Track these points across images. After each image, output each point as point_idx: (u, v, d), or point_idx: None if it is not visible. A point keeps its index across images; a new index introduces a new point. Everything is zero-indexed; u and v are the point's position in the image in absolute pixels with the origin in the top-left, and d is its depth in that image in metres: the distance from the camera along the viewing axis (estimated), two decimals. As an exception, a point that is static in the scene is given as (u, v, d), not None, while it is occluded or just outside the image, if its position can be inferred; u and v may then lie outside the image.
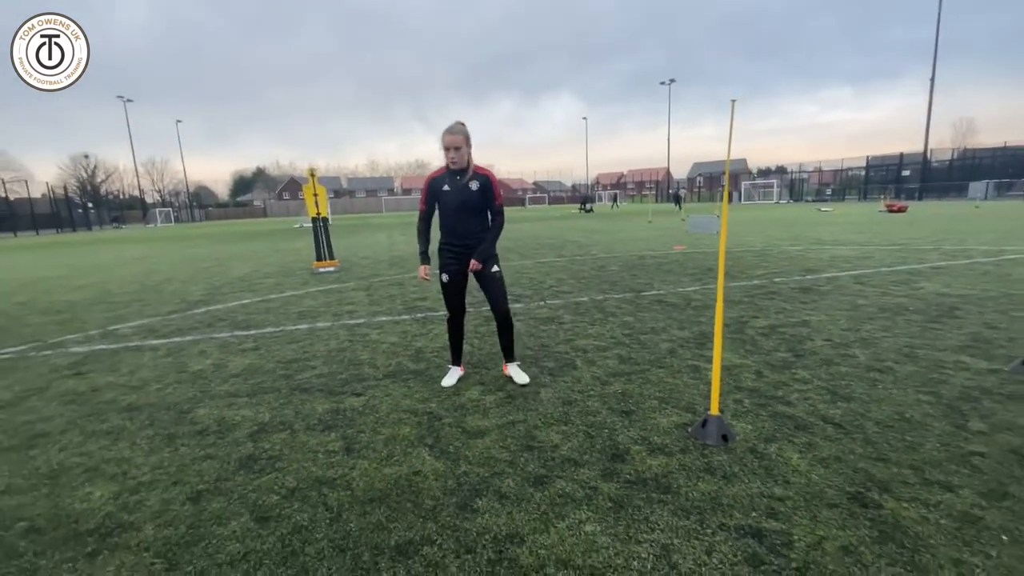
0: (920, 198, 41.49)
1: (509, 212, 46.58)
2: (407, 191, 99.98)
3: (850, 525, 1.92)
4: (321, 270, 9.68)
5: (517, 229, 21.07)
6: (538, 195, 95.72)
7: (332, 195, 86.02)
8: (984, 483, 2.16)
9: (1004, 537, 1.82)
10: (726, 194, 2.52)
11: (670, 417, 2.88)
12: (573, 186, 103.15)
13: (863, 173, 50.61)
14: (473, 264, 3.26)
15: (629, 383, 3.42)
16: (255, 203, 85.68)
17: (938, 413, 2.82)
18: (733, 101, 2.29)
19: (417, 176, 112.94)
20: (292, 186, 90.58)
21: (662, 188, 78.08)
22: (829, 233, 14.08)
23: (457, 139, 3.09)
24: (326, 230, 9.86)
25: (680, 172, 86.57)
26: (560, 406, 3.10)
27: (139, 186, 69.52)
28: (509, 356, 3.60)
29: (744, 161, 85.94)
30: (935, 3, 40.07)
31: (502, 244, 14.12)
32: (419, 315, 5.71)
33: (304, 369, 4.00)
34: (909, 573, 1.68)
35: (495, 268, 3.38)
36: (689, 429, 2.71)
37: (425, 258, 3.41)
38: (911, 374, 3.40)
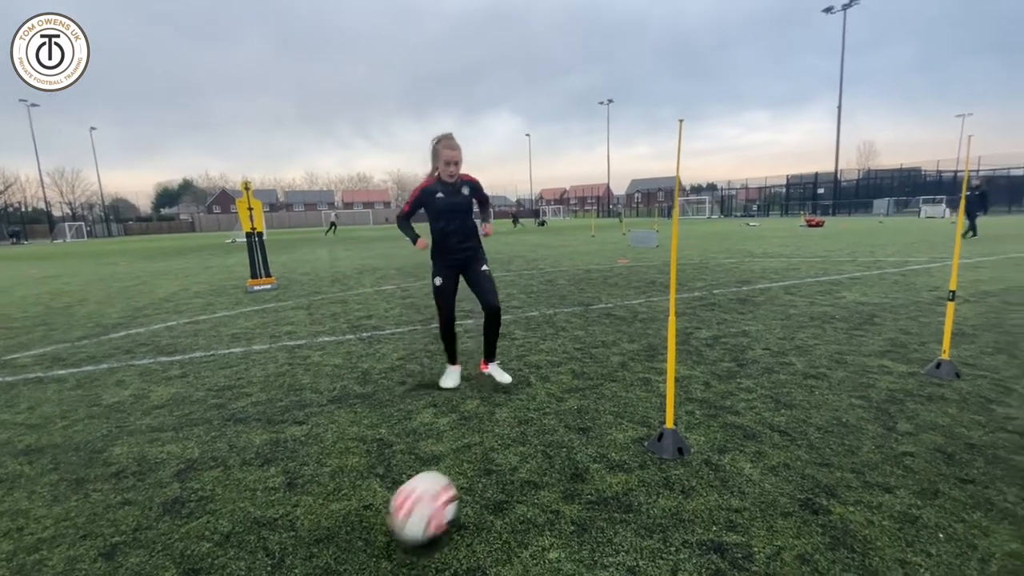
0: (834, 213, 45.27)
1: (455, 226, 46.37)
2: (348, 205, 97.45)
3: (804, 533, 1.96)
4: (256, 288, 9.13)
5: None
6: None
7: (268, 208, 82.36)
8: (917, 482, 2.29)
9: (941, 535, 1.93)
10: (676, 209, 2.57)
11: (626, 432, 2.88)
12: (518, 201, 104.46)
13: (784, 190, 54.73)
14: (487, 229, 3.73)
15: (584, 399, 3.41)
16: (182, 217, 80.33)
17: (870, 416, 2.99)
18: (680, 121, 2.36)
19: (359, 190, 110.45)
20: (223, 199, 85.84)
21: (603, 203, 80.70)
22: (758, 246, 15.01)
23: (459, 154, 3.37)
24: (262, 246, 9.34)
25: (619, 188, 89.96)
26: (516, 426, 3.03)
27: (45, 198, 63.38)
28: (491, 355, 3.74)
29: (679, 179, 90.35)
30: (840, 38, 44.38)
31: (449, 259, 13.95)
32: (365, 334, 5.47)
33: (239, 397, 3.70)
34: (862, 578, 1.73)
35: (484, 267, 3.66)
36: (646, 443, 2.71)
37: (416, 235, 3.57)
38: (843, 379, 3.61)
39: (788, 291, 7.22)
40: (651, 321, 5.61)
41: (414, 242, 3.56)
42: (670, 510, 2.13)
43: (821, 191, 49.81)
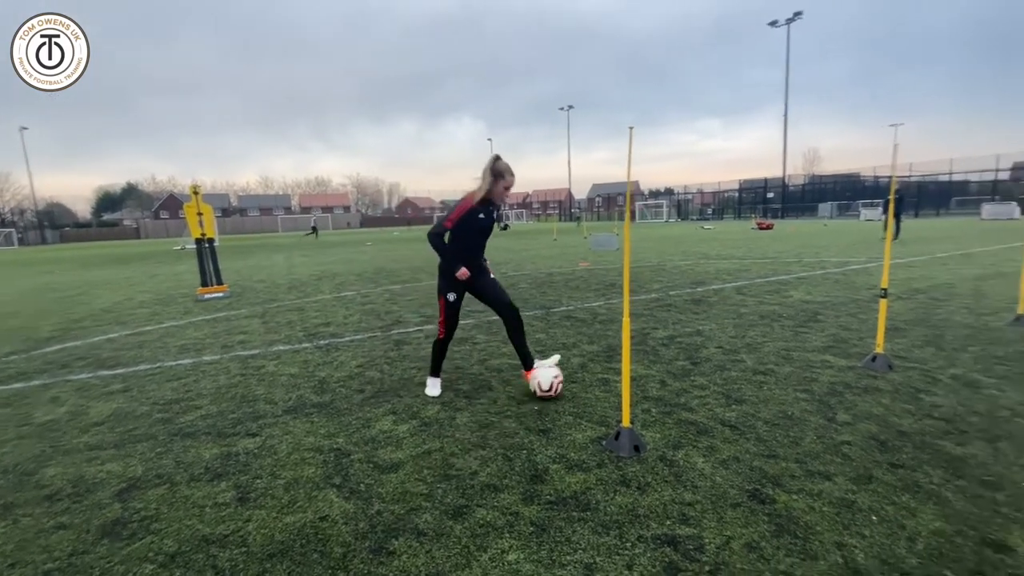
0: (783, 217, 47.47)
1: (419, 232, 46.09)
2: (306, 209, 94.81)
3: (752, 522, 2.06)
4: (207, 296, 8.76)
5: (428, 248, 20.77)
6: (446, 214, 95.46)
7: (220, 213, 79.14)
8: (853, 469, 2.43)
9: (874, 517, 2.06)
10: (627, 215, 2.65)
11: (585, 432, 2.94)
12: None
13: (737, 195, 56.95)
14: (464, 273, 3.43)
15: (544, 401, 3.44)
16: (126, 223, 76.15)
17: (813, 409, 3.16)
18: (631, 128, 2.43)
19: (317, 194, 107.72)
20: (172, 204, 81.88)
21: (565, 208, 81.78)
22: (712, 248, 15.57)
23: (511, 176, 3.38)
24: (213, 252, 8.98)
25: (580, 193, 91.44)
26: (477, 430, 3.03)
27: (-32, 203, 58.70)
28: (529, 361, 3.57)
29: (637, 183, 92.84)
30: (785, 50, 46.67)
31: (412, 264, 13.82)
32: (322, 342, 5.34)
33: (187, 410, 3.54)
34: (803, 561, 1.82)
35: (492, 275, 3.66)
36: (604, 442, 2.77)
37: (459, 264, 3.40)
38: (789, 374, 3.80)
39: (740, 291, 7.52)
40: (610, 323, 5.73)
41: (455, 269, 3.36)
42: (626, 507, 2.19)
43: (771, 195, 52.14)
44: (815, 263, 10.76)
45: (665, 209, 57.11)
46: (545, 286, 8.78)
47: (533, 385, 3.43)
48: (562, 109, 70.76)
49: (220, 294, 8.90)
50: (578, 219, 43.90)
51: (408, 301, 7.71)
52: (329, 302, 7.94)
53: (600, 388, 3.65)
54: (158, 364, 4.76)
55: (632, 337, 5.04)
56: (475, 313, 6.52)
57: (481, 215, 3.39)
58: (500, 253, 16.65)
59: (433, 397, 3.59)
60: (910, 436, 2.75)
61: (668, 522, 2.07)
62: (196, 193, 8.63)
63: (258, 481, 2.54)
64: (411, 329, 5.77)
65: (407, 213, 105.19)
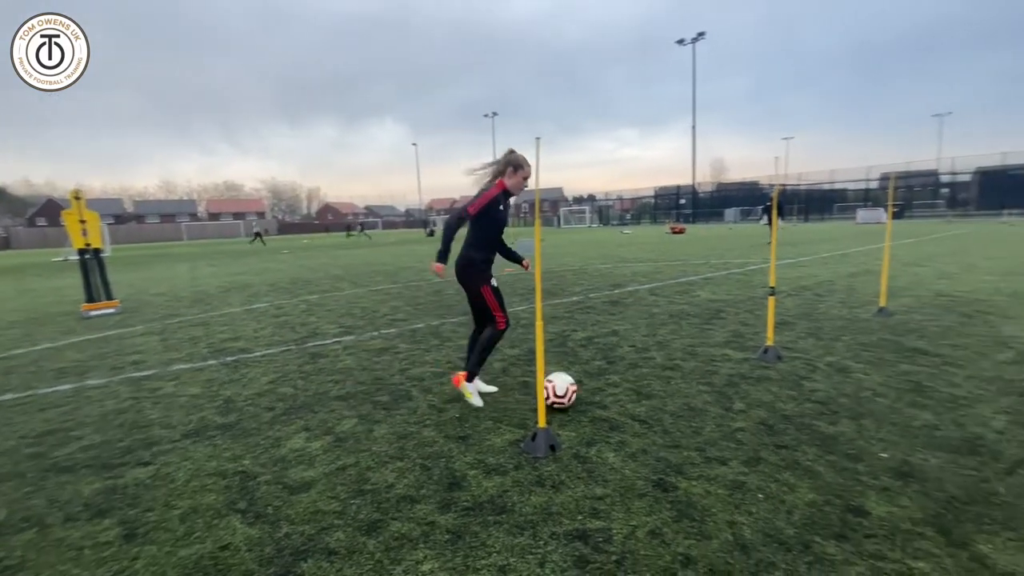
0: (694, 221, 50.96)
1: (338, 239, 44.39)
2: (215, 216, 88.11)
3: (656, 510, 2.19)
4: (94, 313, 7.87)
5: (350, 255, 20.07)
6: (371, 220, 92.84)
7: (112, 220, 71.45)
8: (745, 453, 2.67)
9: (760, 495, 2.27)
10: (537, 223, 2.74)
11: (504, 436, 2.98)
12: (407, 211, 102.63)
13: (652, 201, 60.39)
14: (528, 263, 3.46)
15: (465, 407, 3.45)
16: (-9, 231, 66.36)
17: (713, 400, 3.42)
18: (538, 139, 2.52)
19: (228, 199, 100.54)
20: (51, 209, 72.65)
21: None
22: (630, 252, 16.38)
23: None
24: (100, 264, 8.10)
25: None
26: (395, 441, 2.97)
27: None
28: (470, 371, 3.50)
29: (561, 190, 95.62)
30: (691, 65, 50.31)
31: (331, 273, 13.27)
32: (229, 359, 4.99)
33: (65, 442, 3.16)
34: (699, 542, 1.97)
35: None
36: (522, 445, 2.83)
37: (445, 257, 3.28)
38: (694, 369, 4.09)
39: (653, 292, 7.98)
40: (532, 326, 5.83)
41: (442, 259, 3.26)
42: (541, 506, 2.25)
43: (683, 202, 55.82)
44: (720, 264, 11.66)
45: (588, 214, 59.24)
46: (470, 292, 8.78)
47: (547, 391, 3.22)
48: (487, 116, 71.29)
49: (110, 310, 8.03)
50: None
51: (326, 312, 7.40)
52: (238, 315, 7.43)
53: (521, 391, 3.72)
54: (29, 392, 4.21)
55: (552, 340, 5.19)
56: (398, 322, 6.40)
57: (502, 207, 3.32)
58: (426, 260, 16.44)
59: (478, 407, 3.40)
60: (792, 419, 3.06)
61: (580, 517, 2.16)
62: (78, 198, 7.74)
63: (149, 514, 2.32)
64: (328, 341, 5.54)
65: (328, 219, 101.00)
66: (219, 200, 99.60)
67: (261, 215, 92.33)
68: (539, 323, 2.74)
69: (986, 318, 5.39)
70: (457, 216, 3.25)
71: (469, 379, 3.49)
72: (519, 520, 2.15)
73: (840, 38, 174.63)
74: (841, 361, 4.13)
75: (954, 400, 3.25)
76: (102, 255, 8.25)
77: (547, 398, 3.21)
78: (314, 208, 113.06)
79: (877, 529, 2.00)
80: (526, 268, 3.46)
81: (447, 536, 2.06)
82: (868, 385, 3.57)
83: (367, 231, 43.23)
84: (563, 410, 3.28)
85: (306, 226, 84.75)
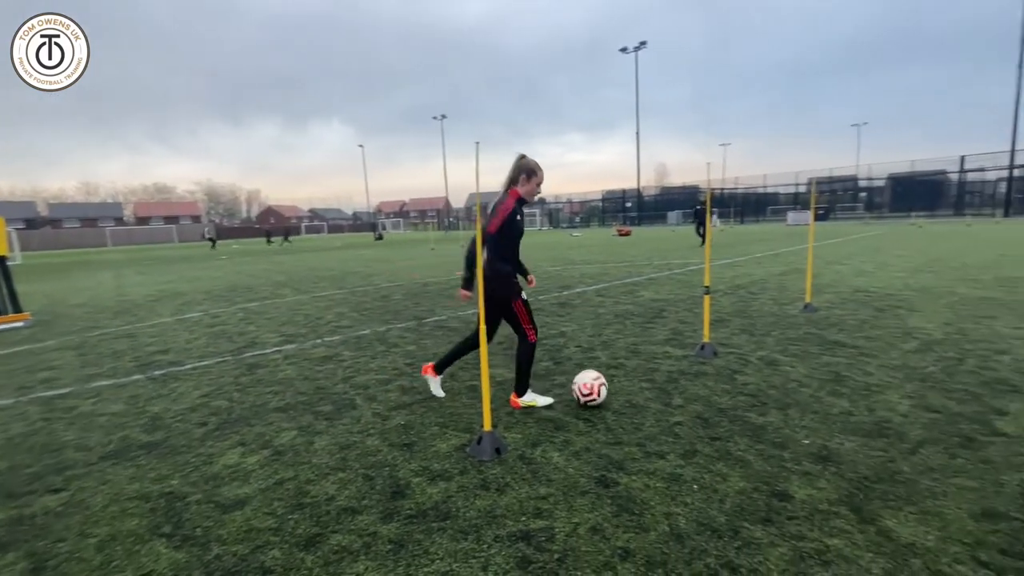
0: (639, 224, 52.67)
1: (283, 244, 42.65)
2: (143, 220, 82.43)
3: (597, 507, 2.24)
4: None
5: (293, 261, 19.31)
6: (316, 223, 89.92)
7: (22, 225, 65.48)
8: (682, 446, 2.78)
9: (695, 486, 2.38)
10: (478, 227, 2.75)
11: (450, 441, 2.96)
12: (354, 214, 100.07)
13: (600, 204, 61.89)
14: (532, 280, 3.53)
15: (411, 414, 3.40)
16: None
17: (653, 396, 3.55)
18: (477, 143, 2.53)
19: (158, 202, 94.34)
20: (-51, 214, 65.43)
21: (443, 216, 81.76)
22: (579, 255, 16.71)
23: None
24: (5, 273, 7.38)
25: (459, 201, 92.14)
26: (337, 452, 2.89)
27: None
28: (441, 366, 3.62)
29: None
30: (634, 73, 52.07)
31: (273, 279, 12.73)
32: (157, 372, 4.68)
33: (-40, 472, 2.86)
34: (637, 535, 2.04)
35: None
36: (467, 449, 2.82)
37: (470, 284, 3.23)
38: (636, 367, 4.22)
39: (599, 293, 8.18)
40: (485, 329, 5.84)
41: (467, 286, 3.21)
42: (485, 509, 2.25)
43: (628, 205, 57.56)
44: (663, 265, 12.11)
45: (538, 217, 59.92)
46: (420, 296, 8.68)
47: (575, 394, 3.34)
48: (436, 118, 70.73)
49: (18, 323, 7.34)
50: (446, 228, 44.54)
51: (267, 320, 7.09)
52: (169, 326, 6.98)
53: (468, 395, 3.71)
54: (-82, 417, 3.77)
55: (501, 343, 5.21)
56: (342, 329, 6.23)
57: (518, 216, 3.22)
58: (373, 265, 16.10)
59: (549, 405, 3.40)
60: (726, 412, 3.22)
61: (523, 518, 2.18)
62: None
63: (61, 545, 2.14)
64: (268, 351, 5.31)
65: (270, 222, 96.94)
66: (148, 203, 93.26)
67: (196, 219, 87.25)
68: (482, 327, 2.75)
69: (896, 311, 5.89)
70: (472, 242, 3.14)
71: (522, 393, 3.41)
72: (463, 525, 2.14)
73: (772, 53, 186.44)
74: (771, 355, 4.39)
75: (867, 388, 3.53)
76: (8, 262, 7.53)
77: (578, 402, 3.33)
78: (255, 211, 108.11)
79: (799, 511, 2.15)
80: (531, 284, 3.41)
81: (389, 546, 2.02)
82: (794, 377, 3.81)
83: (291, 237, 41.05)
84: (597, 406, 3.34)
85: (246, 230, 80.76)
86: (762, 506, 2.19)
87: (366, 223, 78.65)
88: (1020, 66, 31.40)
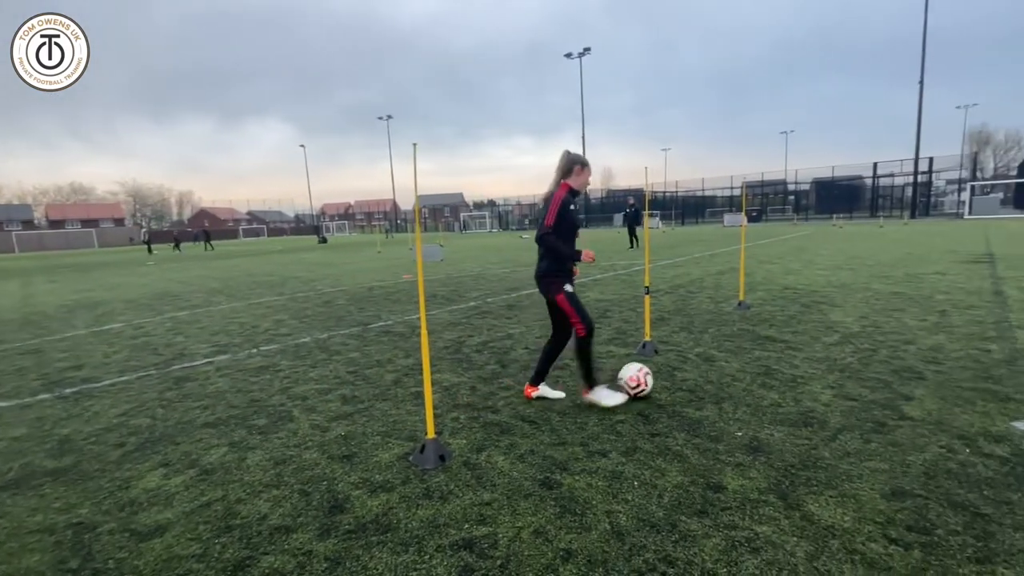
0: (586, 226, 53.82)
1: (217, 248, 40.55)
2: (57, 223, 75.59)
3: (541, 509, 2.25)
4: None
5: (228, 266, 18.29)
6: (254, 226, 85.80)
7: (-90, 230, 58.49)
8: (623, 443, 2.84)
9: (636, 483, 2.43)
10: (418, 229, 2.69)
11: (393, 450, 2.88)
12: (297, 216, 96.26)
13: (549, 206, 62.69)
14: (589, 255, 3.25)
15: (352, 424, 3.29)
16: None
17: (597, 395, 3.60)
18: (415, 145, 2.48)
19: (75, 204, 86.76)
20: None
21: (391, 219, 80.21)
22: (528, 257, 16.83)
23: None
24: None
25: (407, 203, 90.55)
26: (271, 468, 2.74)
27: None
28: (539, 378, 3.61)
29: (461, 195, 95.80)
30: (579, 78, 53.24)
31: (207, 286, 12.02)
32: (68, 390, 4.28)
33: None
34: (579, 535, 2.06)
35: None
36: (410, 458, 2.75)
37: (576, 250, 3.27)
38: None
39: (547, 295, 8.26)
40: (429, 334, 5.75)
41: (578, 258, 3.23)
42: (427, 519, 2.20)
43: (574, 207, 58.68)
44: (608, 266, 12.41)
45: (488, 220, 59.98)
46: (364, 301, 8.44)
47: (625, 390, 3.42)
48: (381, 119, 69.25)
49: (-99, 341, 6.49)
50: (386, 231, 44.11)
51: (198, 330, 6.66)
52: (83, 339, 6.41)
53: (412, 403, 3.63)
54: None
55: (448, 347, 5.15)
56: (280, 337, 5.95)
57: (572, 207, 3.30)
58: (316, 269, 15.53)
59: (618, 405, 3.34)
60: (665, 408, 3.33)
61: (467, 526, 2.14)
62: None
63: (-57, 591, 1.90)
64: (198, 363, 4.98)
65: (204, 225, 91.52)
66: (63, 205, 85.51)
67: (119, 222, 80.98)
68: (424, 333, 2.70)
69: (819, 307, 6.31)
70: (547, 234, 3.20)
71: (592, 387, 3.40)
72: (404, 537, 2.08)
73: (706, 61, 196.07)
74: (707, 351, 4.58)
75: (794, 380, 3.75)
76: None
77: (629, 396, 3.40)
78: (187, 214, 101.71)
79: (731, 502, 2.24)
80: (591, 260, 3.28)
81: (325, 564, 1.93)
82: (728, 371, 4.00)
83: (211, 242, 38.05)
84: (645, 396, 3.45)
85: (204, 232, 75.69)
86: (698, 499, 2.27)
87: (309, 226, 75.91)
88: (921, 83, 34.67)
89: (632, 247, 17.28)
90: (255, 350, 5.37)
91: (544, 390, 3.58)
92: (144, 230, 35.39)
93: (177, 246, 37.50)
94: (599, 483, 2.44)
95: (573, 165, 3.27)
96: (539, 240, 3.23)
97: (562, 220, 3.22)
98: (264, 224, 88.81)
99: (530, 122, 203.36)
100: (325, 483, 2.55)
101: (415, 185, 2.46)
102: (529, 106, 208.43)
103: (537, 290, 3.39)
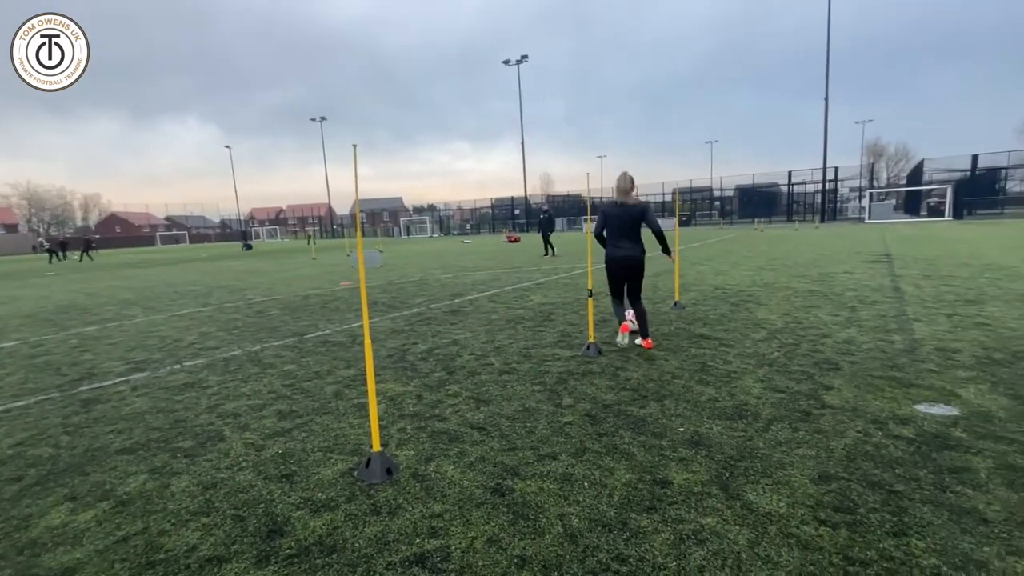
0: (528, 230, 54.45)
1: (131, 256, 37.42)
2: (-65, 230, 66.54)
3: (493, 517, 2.21)
4: None
5: (145, 276, 16.85)
6: (173, 232, 79.91)
7: None
8: (573, 445, 2.87)
9: (586, 484, 2.45)
10: (359, 234, 2.59)
11: (336, 466, 2.74)
12: (223, 221, 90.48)
13: (490, 211, 62.92)
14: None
15: (290, 441, 3.10)
16: None
17: (545, 398, 3.63)
18: (355, 146, 2.39)
19: (-45, 208, 76.75)
20: None
21: (326, 224, 77.27)
22: (471, 261, 16.77)
23: (618, 183, 4.79)
24: None
25: (343, 207, 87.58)
26: (200, 493, 2.52)
27: None
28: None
29: (400, 199, 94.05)
30: (516, 86, 53.83)
31: (119, 297, 11.00)
32: (-49, 420, 3.74)
33: None
34: (533, 541, 2.04)
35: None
36: (355, 473, 2.63)
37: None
38: (528, 370, 4.30)
39: (492, 299, 8.25)
40: (372, 343, 5.56)
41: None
42: (376, 536, 2.11)
43: (517, 212, 59.27)
44: (550, 270, 12.60)
45: (429, 224, 59.25)
46: (300, 311, 8.04)
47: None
48: (314, 120, 66.66)
49: None
50: (309, 237, 42.97)
51: (109, 346, 6.07)
52: (-31, 360, 5.65)
53: (355, 415, 3.48)
54: None
55: (391, 355, 5.01)
56: (207, 351, 5.54)
57: (607, 210, 4.87)
58: (246, 277, 14.65)
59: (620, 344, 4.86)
60: (611, 407, 3.40)
61: (418, 540, 2.07)
62: None
63: None
64: (110, 382, 4.53)
65: (115, 231, 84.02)
66: (-63, 209, 75.40)
67: (12, 228, 72.58)
68: (367, 341, 2.59)
69: (747, 305, 6.72)
70: (596, 233, 5.01)
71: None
72: (351, 557, 1.98)
73: (631, 74, 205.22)
74: (648, 351, 4.74)
75: (728, 375, 3.95)
76: None
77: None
78: (94, 219, 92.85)
79: (678, 496, 2.31)
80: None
81: (264, 595, 1.80)
82: (668, 369, 4.15)
83: (92, 251, 33.91)
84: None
85: (83, 241, 68.86)
86: (646, 495, 2.33)
87: (237, 231, 71.53)
88: (826, 100, 38.16)
89: (546, 254, 16.93)
90: (178, 366, 4.96)
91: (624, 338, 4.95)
92: (40, 238, 31.19)
93: (63, 253, 33.43)
94: (551, 486, 2.44)
95: (634, 186, 4.81)
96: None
97: (601, 221, 4.96)
98: (186, 230, 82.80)
99: (468, 128, 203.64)
100: (262, 506, 2.38)
101: (356, 189, 2.36)
102: (468, 112, 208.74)
103: (631, 264, 4.83)
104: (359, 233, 2.62)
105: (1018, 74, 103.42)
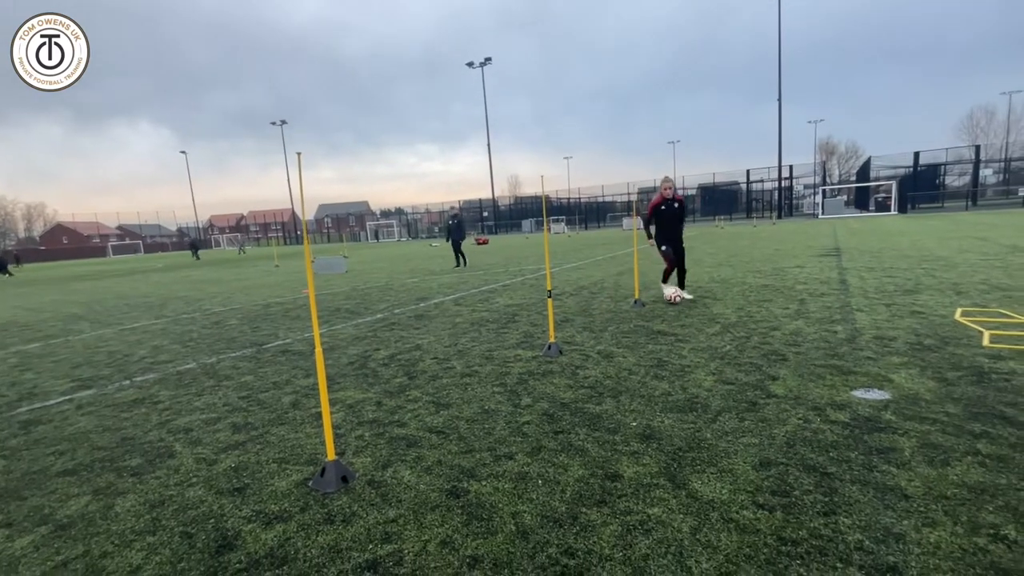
0: (496, 232, 54.55)
1: (79, 268, 35.67)
2: None
3: (447, 519, 2.24)
4: None
5: (94, 289, 16.09)
6: (127, 242, 76.50)
7: None
8: (530, 444, 2.92)
9: (540, 481, 2.51)
10: (306, 240, 2.58)
11: (291, 477, 2.71)
12: (180, 229, 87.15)
13: (460, 213, 62.73)
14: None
15: (244, 453, 3.04)
16: None
17: (504, 399, 3.67)
18: (299, 154, 2.37)
19: None
20: None
21: (289, 230, 75.41)
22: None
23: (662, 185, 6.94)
24: None
25: (306, 213, 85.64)
26: (146, 512, 2.45)
27: None
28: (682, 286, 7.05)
29: (367, 203, 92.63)
30: (482, 89, 53.92)
31: (64, 312, 10.48)
32: None
33: None
34: (486, 539, 2.08)
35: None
36: (310, 483, 2.61)
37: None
38: (490, 372, 4.33)
39: (457, 302, 8.25)
40: (331, 351, 5.50)
41: (660, 243, 7.04)
42: (328, 545, 2.10)
43: (486, 214, 59.29)
44: (516, 272, 12.68)
45: (396, 228, 58.59)
46: (260, 320, 7.85)
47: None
48: (274, 124, 65.01)
49: None
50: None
51: (52, 363, 5.79)
52: None
53: (312, 424, 3.44)
54: None
55: (352, 362, 4.96)
56: (159, 365, 5.36)
57: (663, 207, 6.86)
58: (203, 287, 14.18)
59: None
60: (569, 406, 3.47)
61: (371, 546, 2.08)
62: None
63: None
64: (53, 401, 4.33)
65: (63, 243, 79.83)
66: None
67: (-54, 242, 68.03)
68: (318, 350, 2.58)
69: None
70: (645, 221, 7.01)
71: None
72: (303, 567, 1.97)
73: (593, 77, 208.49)
74: (607, 348, 4.85)
75: (682, 369, 4.09)
76: None
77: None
78: (39, 230, 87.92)
79: (627, 489, 2.39)
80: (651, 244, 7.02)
81: (211, 611, 1.77)
82: (626, 366, 4.26)
83: (17, 265, 32.91)
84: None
85: (27, 252, 65.08)
86: (597, 489, 2.40)
87: (196, 240, 69.14)
88: (780, 101, 39.70)
89: (458, 265, 14.90)
90: (127, 381, 4.78)
91: (685, 293, 6.95)
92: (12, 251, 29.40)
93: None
94: (505, 486, 2.48)
95: (662, 184, 6.93)
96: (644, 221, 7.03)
97: (655, 215, 6.92)
98: (140, 239, 79.34)
99: (433, 130, 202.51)
100: (212, 521, 2.33)
101: (302, 196, 2.35)
102: (432, 114, 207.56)
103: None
104: (306, 240, 2.60)
105: (953, 77, 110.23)
